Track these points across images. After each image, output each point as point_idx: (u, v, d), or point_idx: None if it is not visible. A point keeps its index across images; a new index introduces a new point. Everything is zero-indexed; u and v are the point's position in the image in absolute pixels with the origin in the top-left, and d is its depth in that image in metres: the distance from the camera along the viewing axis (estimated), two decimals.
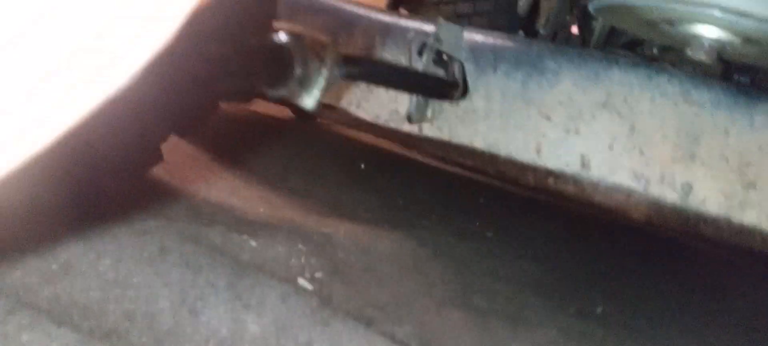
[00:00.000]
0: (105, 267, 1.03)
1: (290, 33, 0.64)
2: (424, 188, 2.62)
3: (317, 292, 1.24)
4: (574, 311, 1.62)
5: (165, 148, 1.46)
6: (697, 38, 1.03)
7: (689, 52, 1.06)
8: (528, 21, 2.09)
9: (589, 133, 1.32)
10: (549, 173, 1.32)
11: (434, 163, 3.26)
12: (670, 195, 1.24)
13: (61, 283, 0.96)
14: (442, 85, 1.03)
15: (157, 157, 1.26)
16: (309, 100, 0.65)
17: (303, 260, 1.33)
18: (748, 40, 1.05)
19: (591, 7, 1.12)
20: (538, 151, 1.37)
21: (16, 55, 0.24)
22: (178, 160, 1.75)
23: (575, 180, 1.29)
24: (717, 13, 0.92)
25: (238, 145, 2.18)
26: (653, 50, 2.28)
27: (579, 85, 1.34)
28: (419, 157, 3.39)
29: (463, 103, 1.47)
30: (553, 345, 1.39)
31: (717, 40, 1.03)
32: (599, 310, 1.67)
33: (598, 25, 1.63)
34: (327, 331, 1.06)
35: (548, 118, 1.36)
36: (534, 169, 1.34)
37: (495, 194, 2.94)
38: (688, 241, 2.82)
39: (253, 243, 1.30)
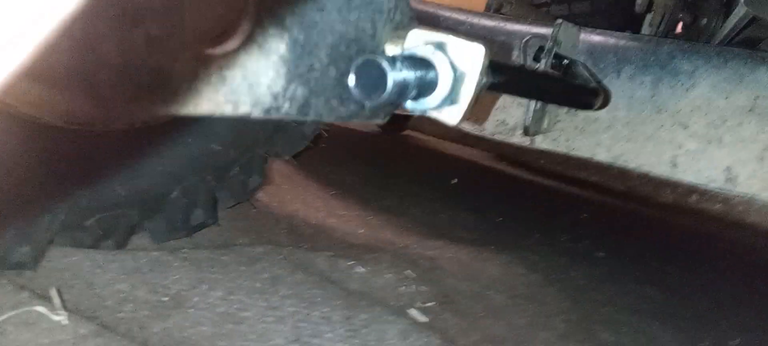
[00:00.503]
0: (216, 299, 0.97)
1: (437, 39, 0.55)
2: (518, 202, 2.48)
3: (431, 324, 1.14)
4: (707, 344, 1.45)
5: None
6: None
7: None
8: (635, 23, 1.93)
9: (735, 143, 1.16)
10: (692, 189, 1.17)
11: (525, 174, 3.11)
12: None
13: (172, 317, 0.90)
14: (584, 94, 0.92)
15: (263, 180, 1.20)
16: (455, 115, 0.56)
17: (412, 287, 1.24)
18: None
19: (745, 0, 0.98)
20: (674, 165, 1.23)
21: None
22: (275, 179, 1.70)
23: (723, 198, 1.13)
24: None
25: (329, 161, 2.12)
26: None
27: (719, 88, 1.19)
28: (509, 169, 3.25)
29: (582, 112, 1.34)
30: None
31: None
32: (736, 342, 1.49)
33: (731, 20, 1.47)
34: None
35: (685, 127, 1.21)
36: (672, 186, 1.20)
37: (597, 209, 2.76)
38: None
39: (361, 269, 1.22)
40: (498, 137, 1.46)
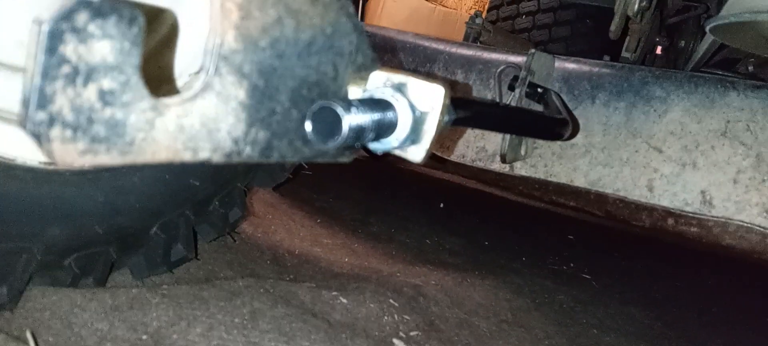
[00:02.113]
0: (195, 336, 0.97)
1: (397, 80, 0.56)
2: (506, 226, 2.49)
3: None
4: None
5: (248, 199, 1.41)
6: None
7: None
8: (607, 45, 1.96)
9: (709, 167, 1.18)
10: (667, 212, 1.19)
11: (512, 197, 3.13)
12: None
13: None
14: (552, 125, 0.94)
15: (244, 213, 1.20)
16: (418, 153, 0.57)
17: (396, 316, 1.24)
18: None
19: (708, 27, 1.00)
20: (650, 189, 1.24)
21: None
22: (259, 209, 1.70)
23: (698, 221, 1.15)
24: None
25: (314, 188, 2.13)
26: (749, 68, 2.10)
27: (692, 112, 1.21)
28: (496, 192, 3.27)
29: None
30: None
31: None
32: None
33: (702, 46, 1.49)
34: None
35: (659, 151, 1.23)
36: (649, 210, 1.21)
37: (583, 230, 2.77)
38: None
39: (344, 300, 1.23)
40: (478, 164, 1.48)
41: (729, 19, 0.93)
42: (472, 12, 3.09)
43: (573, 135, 1.22)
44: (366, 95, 0.56)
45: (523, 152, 1.34)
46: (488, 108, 0.78)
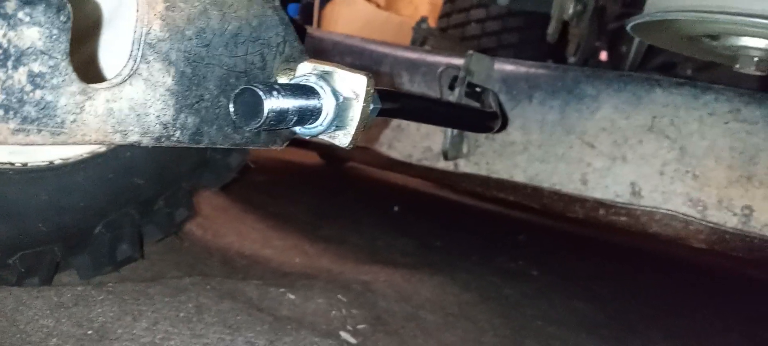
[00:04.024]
0: (141, 330, 0.99)
1: (323, 69, 0.60)
2: (460, 227, 2.55)
3: (361, 345, 1.18)
4: None
5: (196, 201, 1.43)
6: (745, 50, 0.97)
7: (737, 67, 1.00)
8: (557, 50, 2.04)
9: (638, 160, 1.25)
10: (599, 203, 1.25)
11: (469, 200, 3.19)
12: (730, 220, 1.15)
13: None
14: (481, 118, 0.99)
15: (191, 213, 1.22)
16: (345, 139, 0.60)
17: (344, 311, 1.27)
18: None
19: (628, 26, 1.07)
20: (585, 182, 1.31)
21: None
22: (210, 212, 1.72)
23: (628, 210, 1.21)
24: (766, 22, 0.86)
25: (269, 193, 2.15)
26: (688, 71, 2.20)
27: (621, 109, 1.28)
28: (453, 196, 3.33)
29: (500, 137, 1.41)
30: None
31: (766, 52, 0.97)
32: None
33: (633, 47, 1.57)
34: None
35: (592, 146, 1.30)
36: (582, 201, 1.27)
37: (535, 230, 2.85)
38: (744, 268, 2.69)
39: (291, 296, 1.25)
40: (425, 163, 1.53)
41: (644, 18, 0.99)
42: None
43: (502, 129, 1.28)
44: (286, 83, 0.60)
45: (465, 150, 1.39)
46: (415, 100, 0.82)
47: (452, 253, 2.03)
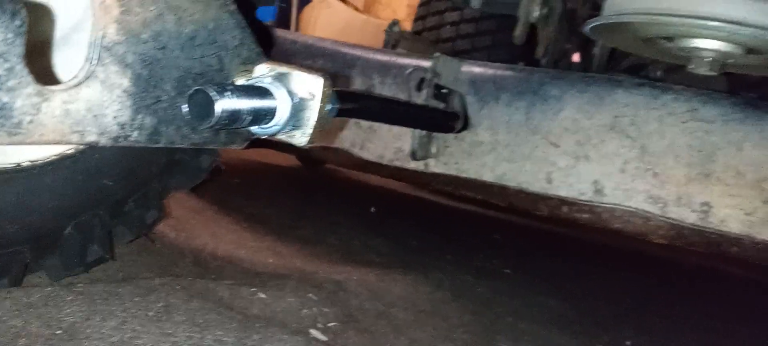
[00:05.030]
0: (110, 329, 1.00)
1: (279, 71, 0.62)
2: (437, 228, 2.58)
3: (331, 342, 1.20)
4: (603, 344, 1.56)
5: (169, 203, 1.44)
6: (697, 52, 1.01)
7: (691, 68, 1.04)
8: (528, 52, 2.08)
9: (600, 159, 1.28)
10: (562, 201, 1.28)
11: (446, 201, 3.22)
12: (689, 216, 1.19)
13: None
14: (441, 118, 1.01)
15: (162, 214, 1.23)
16: (302, 138, 0.63)
17: (315, 309, 1.29)
18: (749, 50, 1.03)
19: (587, 29, 1.11)
20: (550, 181, 1.34)
21: None
22: (184, 215, 1.73)
23: (590, 208, 1.25)
24: (716, 24, 0.89)
25: (245, 196, 2.16)
26: (657, 73, 2.25)
27: (584, 109, 1.31)
28: (430, 197, 3.36)
29: (469, 137, 1.44)
30: None
31: (718, 53, 1.01)
32: (628, 344, 1.60)
33: (597, 49, 1.61)
34: None
35: (556, 146, 1.33)
36: (546, 199, 1.30)
37: (510, 229, 2.89)
38: (715, 265, 2.75)
39: (262, 295, 1.27)
40: (396, 164, 1.55)
41: (600, 21, 1.03)
42: (406, 23, 3.18)
43: (462, 129, 1.31)
44: (241, 84, 0.62)
45: (434, 151, 1.42)
46: (374, 101, 0.85)
47: (427, 252, 2.06)
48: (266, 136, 0.63)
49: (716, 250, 1.18)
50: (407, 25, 2.85)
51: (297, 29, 4.15)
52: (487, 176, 1.41)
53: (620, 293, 2.10)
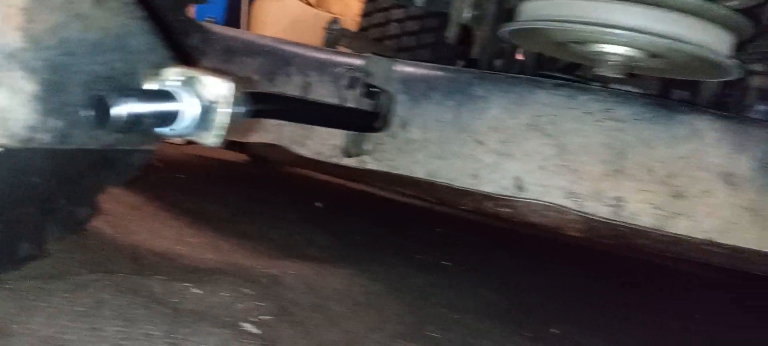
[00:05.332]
0: (38, 325, 1.01)
1: (188, 74, 0.65)
2: (383, 222, 2.63)
3: (263, 335, 1.23)
4: (529, 334, 1.63)
5: (105, 199, 1.45)
6: (604, 56, 1.08)
7: (597, 70, 1.11)
8: (467, 51, 2.14)
9: (522, 156, 1.35)
10: (486, 196, 1.34)
11: (394, 196, 3.28)
12: (602, 210, 1.27)
13: None
14: (361, 118, 1.05)
15: (94, 210, 1.25)
16: (211, 139, 0.66)
17: (249, 303, 1.32)
18: (653, 54, 1.10)
19: (503, 33, 1.16)
20: (476, 177, 1.40)
21: None
22: (122, 211, 1.73)
23: (509, 202, 1.31)
24: (617, 32, 0.96)
25: (188, 192, 2.17)
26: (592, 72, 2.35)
27: (508, 109, 1.37)
28: (380, 193, 3.41)
29: (402, 134, 1.49)
30: None
31: (624, 57, 1.08)
32: (553, 331, 1.68)
33: (520, 50, 1.68)
34: None
35: (482, 144, 1.39)
36: (471, 194, 1.36)
37: (454, 223, 2.96)
38: (653, 259, 2.87)
39: (196, 291, 1.29)
40: (333, 160, 1.59)
41: (515, 26, 1.08)
42: (358, 18, 3.21)
43: (383, 128, 1.36)
44: (161, 88, 0.65)
45: (368, 148, 1.46)
46: (291, 102, 0.88)
47: (369, 246, 2.11)
48: (176, 137, 0.66)
49: (624, 242, 1.26)
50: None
51: (248, 24, 4.14)
52: (419, 173, 1.47)
53: (554, 285, 2.19)
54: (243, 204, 2.28)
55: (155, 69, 0.66)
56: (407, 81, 1.50)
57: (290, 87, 1.59)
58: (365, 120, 1.04)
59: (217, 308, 1.26)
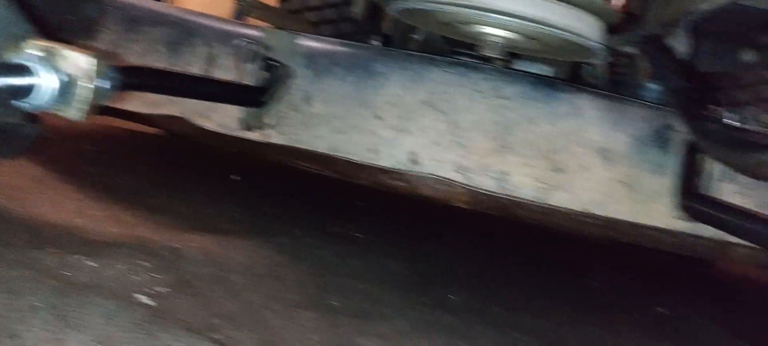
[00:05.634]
0: None
1: (49, 48, 0.66)
2: (301, 195, 2.65)
3: (158, 307, 1.24)
4: (428, 301, 1.70)
5: (3, 172, 1.42)
6: (485, 37, 1.13)
7: (480, 50, 1.16)
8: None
9: (417, 131, 1.40)
10: (381, 170, 1.39)
11: (314, 169, 3.30)
12: (488, 184, 1.33)
13: None
14: (244, 92, 1.07)
15: None
16: (74, 113, 0.67)
17: (146, 276, 1.33)
18: (529, 37, 1.17)
19: (391, 10, 1.20)
20: (375, 151, 1.44)
21: None
22: (23, 183, 1.69)
23: (402, 176, 1.36)
24: (489, 15, 1.01)
25: (97, 164, 2.13)
26: None
27: (405, 85, 1.42)
28: (302, 165, 3.42)
29: (306, 109, 1.51)
30: (400, 335, 1.45)
31: (502, 38, 1.14)
32: (452, 298, 1.76)
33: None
34: (151, 341, 1.06)
35: (380, 119, 1.43)
36: (368, 168, 1.40)
37: (374, 197, 3.01)
38: (547, 228, 3.00)
39: (91, 263, 1.29)
40: (237, 134, 1.60)
41: (401, 5, 1.12)
42: None
43: (267, 103, 1.38)
44: (15, 62, 0.65)
45: (269, 121, 1.48)
46: (164, 76, 0.89)
47: (282, 219, 2.13)
48: (37, 111, 0.67)
49: (506, 213, 1.34)
50: None
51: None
52: (321, 147, 1.50)
53: (459, 255, 2.28)
54: (155, 177, 2.26)
55: (14, 42, 0.66)
56: (311, 56, 1.52)
57: (195, 58, 1.58)
58: (248, 94, 1.06)
59: (111, 280, 1.26)
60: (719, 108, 1.25)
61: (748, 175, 1.01)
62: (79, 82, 0.67)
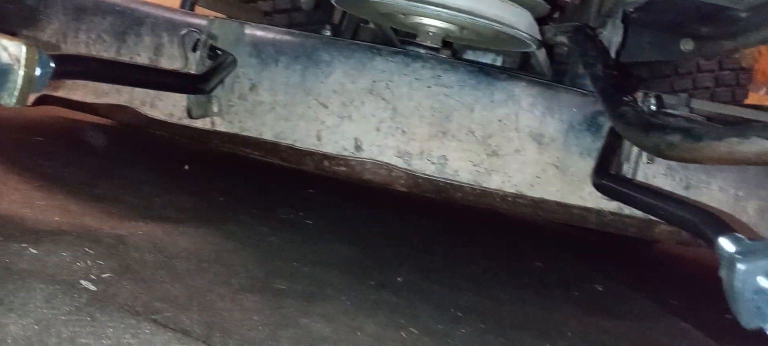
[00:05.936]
0: None
1: None
2: (252, 184, 2.66)
3: (101, 292, 1.25)
4: (374, 283, 1.74)
5: None
6: (421, 26, 1.18)
7: (419, 40, 1.21)
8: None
9: (360, 118, 1.44)
10: (324, 156, 1.43)
11: (269, 159, 3.31)
12: (428, 168, 1.38)
13: None
14: (185, 80, 1.09)
15: None
16: (8, 99, 0.69)
17: (89, 262, 1.34)
18: (462, 27, 1.22)
19: (334, 1, 1.24)
20: (319, 138, 1.47)
21: None
22: None
23: (346, 162, 1.40)
24: (426, 6, 1.06)
25: (44, 154, 2.11)
26: None
27: (349, 74, 1.45)
28: (256, 154, 3.42)
29: (251, 97, 1.54)
30: (343, 314, 1.49)
31: (437, 28, 1.18)
32: (398, 279, 1.81)
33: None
34: (93, 324, 1.08)
35: (325, 106, 1.47)
36: (312, 154, 1.44)
37: (325, 184, 3.04)
38: (491, 212, 3.09)
39: (34, 251, 1.29)
40: (184, 122, 1.61)
41: None
42: None
43: (210, 91, 1.41)
44: None
45: (215, 109, 1.50)
46: (100, 63, 0.91)
47: (232, 207, 2.14)
48: None
49: (444, 195, 1.39)
50: None
51: None
52: (267, 135, 1.52)
53: (407, 238, 2.33)
54: (104, 167, 2.24)
55: None
56: (257, 44, 1.54)
57: (142, 48, 1.59)
58: (192, 82, 1.08)
59: (54, 267, 1.27)
60: (640, 94, 1.33)
61: (658, 156, 1.07)
62: (12, 70, 0.68)
